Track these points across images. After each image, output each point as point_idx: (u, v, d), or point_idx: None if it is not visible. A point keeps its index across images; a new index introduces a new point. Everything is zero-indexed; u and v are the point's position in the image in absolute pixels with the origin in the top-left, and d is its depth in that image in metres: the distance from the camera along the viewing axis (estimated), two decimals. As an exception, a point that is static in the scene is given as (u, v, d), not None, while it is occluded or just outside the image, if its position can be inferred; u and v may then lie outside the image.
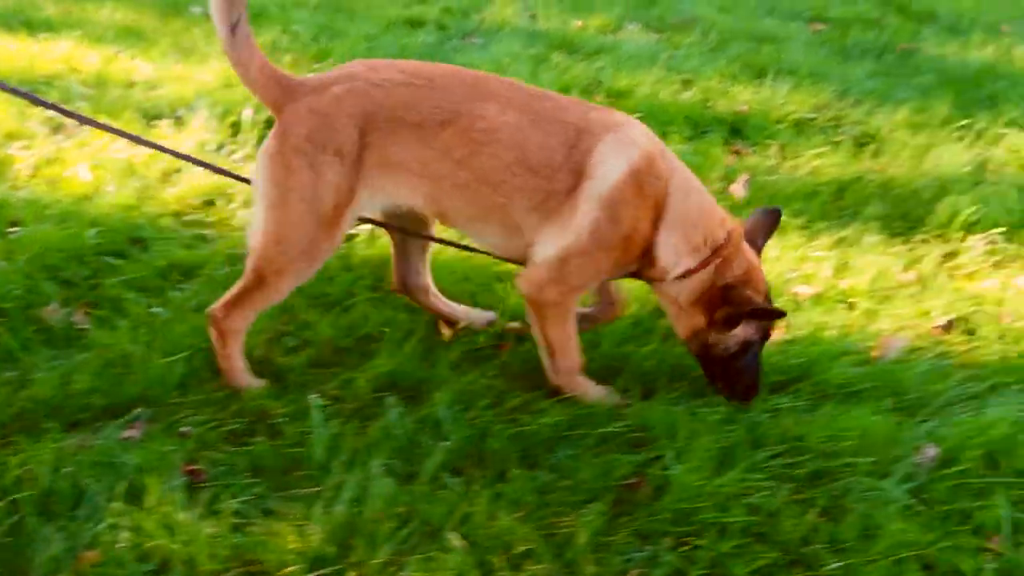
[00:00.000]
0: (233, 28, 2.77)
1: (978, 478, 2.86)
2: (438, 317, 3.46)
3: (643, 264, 2.97)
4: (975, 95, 6.05)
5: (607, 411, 3.04)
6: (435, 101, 2.81)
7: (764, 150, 5.21)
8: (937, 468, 2.90)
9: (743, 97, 5.79)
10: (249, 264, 2.95)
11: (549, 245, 2.86)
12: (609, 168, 2.79)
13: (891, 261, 4.14)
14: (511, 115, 2.80)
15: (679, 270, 2.93)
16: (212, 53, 5.98)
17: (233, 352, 3.02)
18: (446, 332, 3.46)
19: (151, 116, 5.03)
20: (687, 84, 5.95)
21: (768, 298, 3.05)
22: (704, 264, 2.92)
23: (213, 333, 3.01)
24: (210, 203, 4.29)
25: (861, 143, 5.29)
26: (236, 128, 4.91)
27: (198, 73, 5.71)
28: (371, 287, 3.69)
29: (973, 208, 4.49)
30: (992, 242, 4.32)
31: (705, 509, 2.65)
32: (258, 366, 3.18)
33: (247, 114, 4.92)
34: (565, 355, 3.04)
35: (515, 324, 3.46)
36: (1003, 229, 4.37)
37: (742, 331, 2.96)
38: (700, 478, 2.73)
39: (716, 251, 2.92)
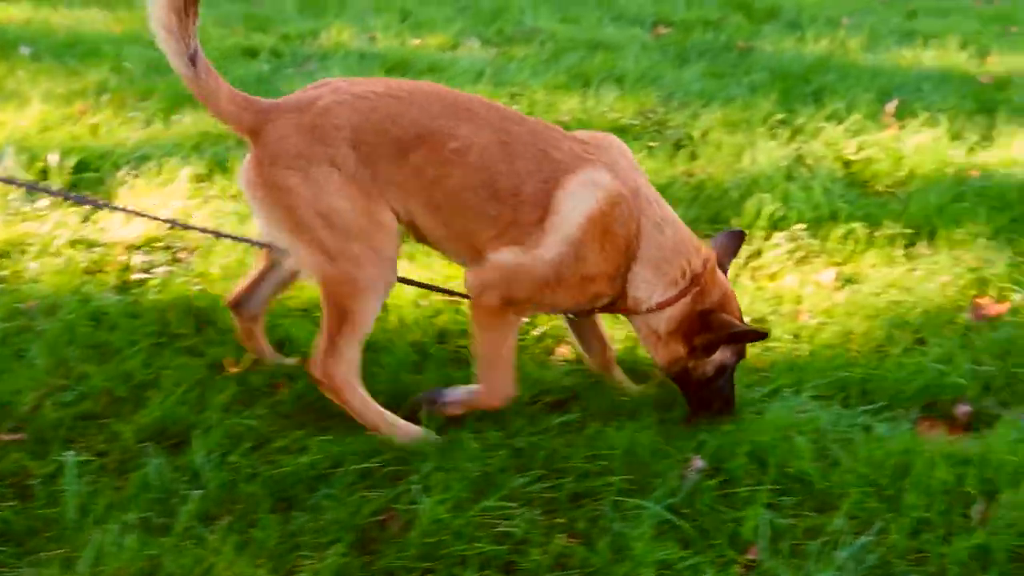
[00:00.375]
0: (192, 60, 2.71)
1: (744, 486, 2.81)
2: (248, 348, 3.33)
3: (614, 299, 2.94)
4: (802, 90, 6.10)
5: (371, 445, 2.96)
6: (414, 115, 2.76)
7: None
8: (702, 479, 2.85)
9: (567, 107, 5.77)
10: (323, 303, 2.84)
11: (507, 255, 2.78)
12: (575, 207, 2.73)
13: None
14: (483, 137, 2.74)
15: (654, 302, 2.90)
16: (35, 96, 5.82)
17: (359, 405, 2.89)
18: (232, 368, 3.36)
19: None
20: (515, 97, 5.90)
21: (741, 319, 3.05)
22: (683, 294, 2.90)
23: (330, 395, 2.89)
24: (4, 255, 4.15)
25: (680, 146, 5.29)
26: (44, 174, 4.77)
27: (16, 118, 5.54)
28: (156, 333, 3.59)
29: (777, 205, 4.50)
30: (795, 238, 4.34)
31: (449, 542, 2.57)
32: (23, 424, 3.04)
33: (53, 159, 4.77)
34: (495, 377, 2.95)
35: (291, 360, 3.39)
36: (804, 225, 4.39)
37: (720, 355, 2.95)
38: (448, 509, 2.68)
39: (694, 280, 2.90)
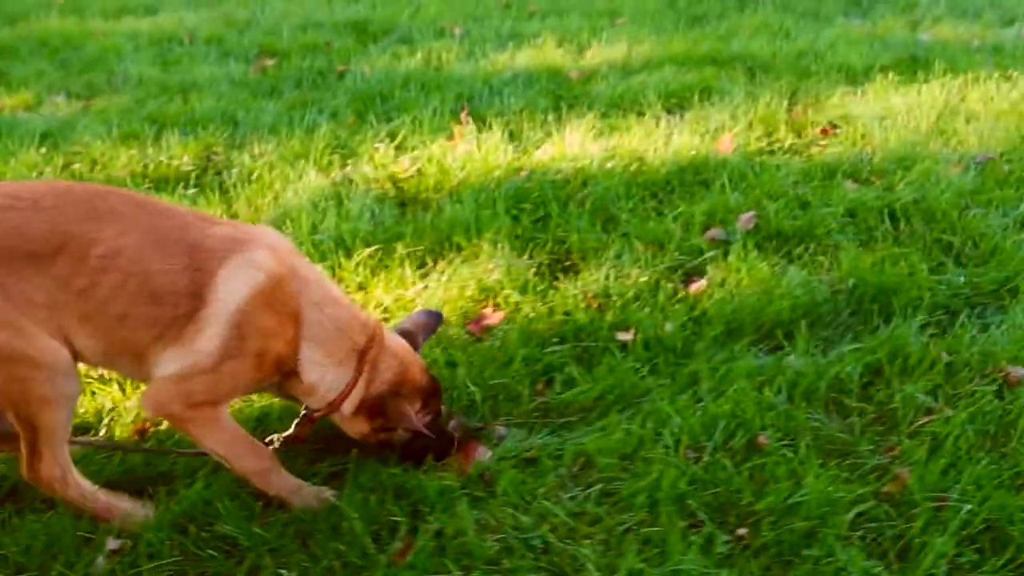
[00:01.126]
0: None
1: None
2: None
3: (288, 381, 2.80)
4: (379, 109, 5.97)
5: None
6: (46, 224, 2.49)
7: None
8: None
9: (125, 159, 5.43)
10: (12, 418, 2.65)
11: (171, 364, 2.62)
12: (234, 290, 2.60)
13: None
14: (131, 238, 2.55)
15: (326, 387, 2.81)
16: None
17: (78, 497, 2.73)
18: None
19: None
20: (76, 155, 5.53)
21: (430, 387, 2.97)
22: (355, 379, 2.82)
23: (49, 493, 2.74)
24: None
25: (224, 189, 4.99)
26: None
27: None
28: None
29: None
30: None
31: None
32: None
33: None
34: (241, 459, 2.76)
35: None
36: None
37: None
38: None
39: (361, 360, 2.81)
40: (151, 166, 5.39)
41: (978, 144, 5.25)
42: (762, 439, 3.04)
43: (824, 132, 5.48)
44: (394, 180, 5.01)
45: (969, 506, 2.70)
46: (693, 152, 5.08)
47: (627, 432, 3.09)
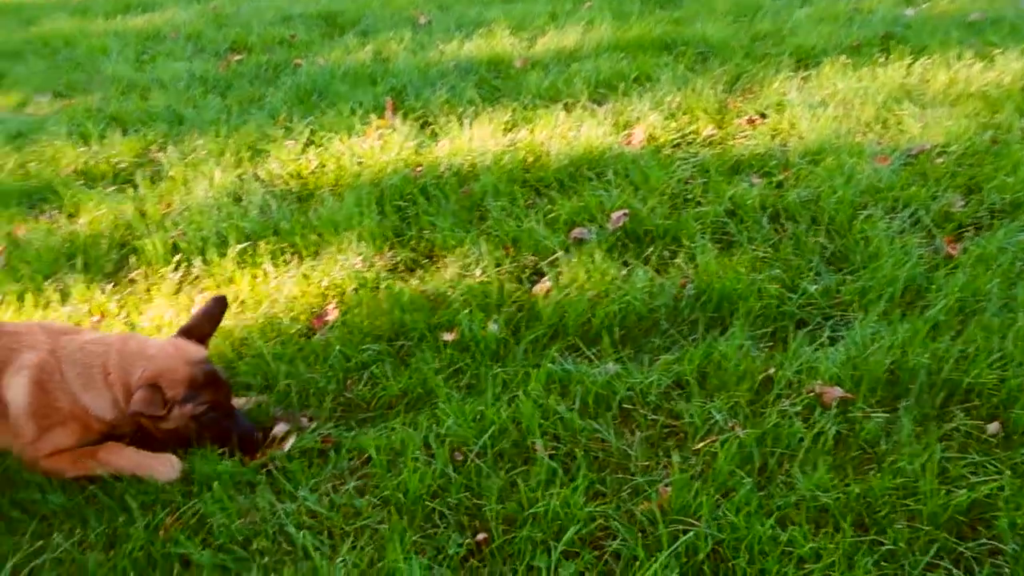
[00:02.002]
0: None
1: None
2: None
3: (111, 427, 3.22)
4: (312, 104, 6.08)
5: None
6: None
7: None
8: None
9: (73, 156, 5.71)
10: None
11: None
12: (17, 391, 3.16)
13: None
14: None
15: (101, 412, 3.18)
16: None
17: None
18: None
19: None
20: (29, 151, 5.89)
21: (196, 377, 3.13)
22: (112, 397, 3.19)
23: None
24: None
25: (155, 181, 5.24)
26: None
27: None
28: None
29: (179, 233, 4.49)
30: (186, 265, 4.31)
31: None
32: None
33: None
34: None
35: None
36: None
37: (179, 411, 3.10)
38: None
39: (106, 378, 3.18)
40: (92, 163, 5.64)
41: (920, 134, 4.99)
42: (537, 447, 3.03)
43: (751, 122, 5.29)
44: (299, 176, 5.11)
45: (694, 531, 2.64)
46: (599, 145, 5.00)
47: (404, 431, 3.13)
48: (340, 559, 2.69)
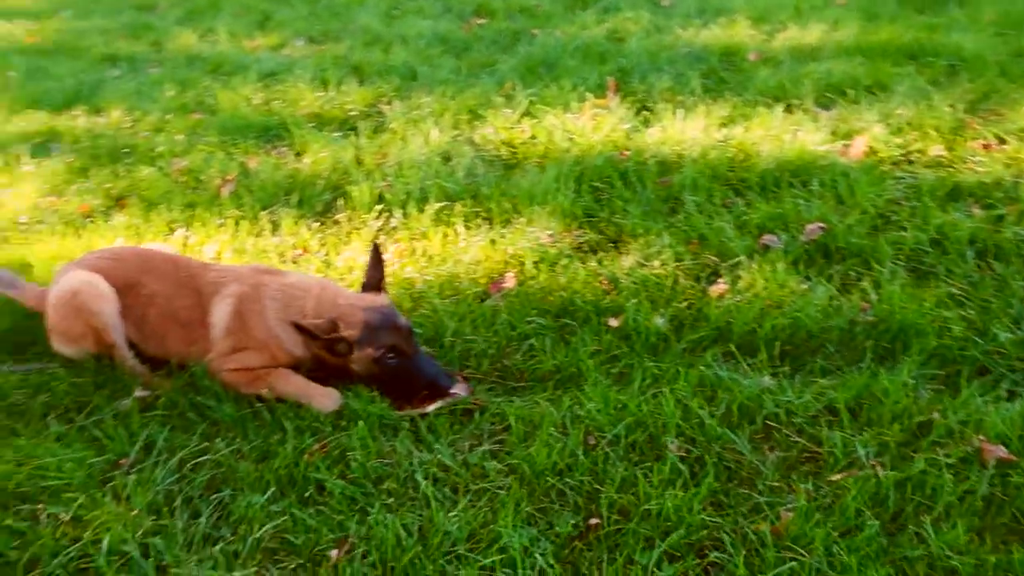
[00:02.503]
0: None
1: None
2: None
3: (300, 359, 3.60)
4: (540, 75, 6.22)
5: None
6: (123, 273, 3.72)
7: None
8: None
9: (311, 98, 6.15)
10: None
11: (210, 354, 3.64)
12: (221, 314, 3.62)
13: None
14: (163, 286, 3.71)
15: (292, 345, 3.55)
16: None
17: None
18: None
19: None
20: (274, 88, 6.37)
21: (373, 322, 3.39)
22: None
23: None
24: None
25: (378, 131, 5.61)
26: None
27: None
28: None
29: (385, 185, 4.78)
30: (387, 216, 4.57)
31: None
32: None
33: None
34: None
35: None
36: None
37: (360, 353, 3.39)
38: None
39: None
40: (326, 108, 6.06)
41: None
42: (671, 447, 3.04)
43: (986, 147, 4.93)
44: (509, 144, 5.27)
45: (803, 562, 2.58)
46: (812, 152, 4.84)
47: (546, 407, 3.23)
48: (455, 513, 2.82)
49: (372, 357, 3.38)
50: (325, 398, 3.39)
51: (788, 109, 5.43)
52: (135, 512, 2.89)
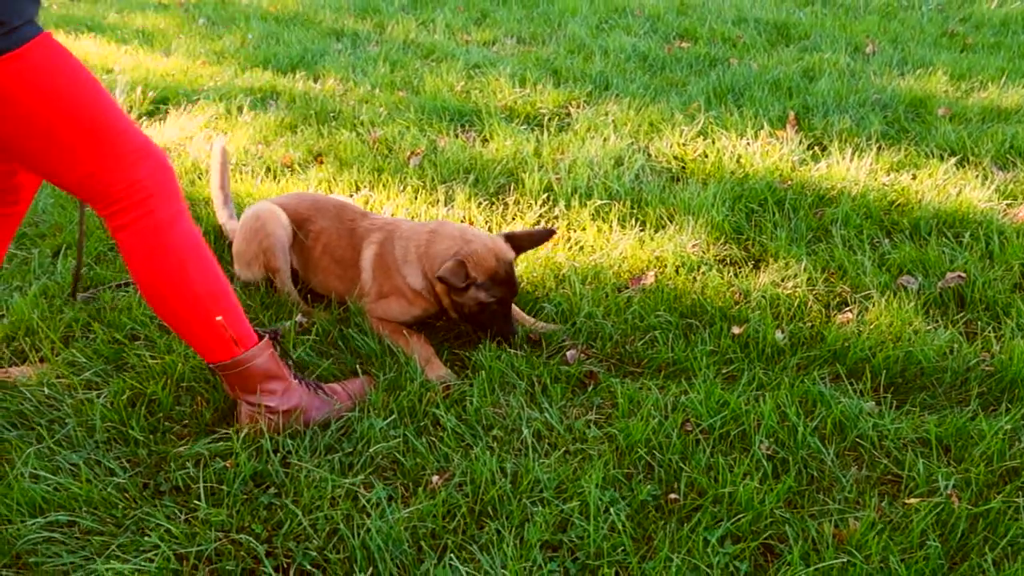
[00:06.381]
0: (229, 216, 4.56)
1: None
2: None
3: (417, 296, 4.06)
4: (727, 101, 6.45)
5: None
6: (299, 209, 4.24)
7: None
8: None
9: (507, 92, 6.63)
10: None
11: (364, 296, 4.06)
12: (368, 257, 4.03)
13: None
14: (328, 225, 4.15)
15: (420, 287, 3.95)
16: (180, 51, 7.76)
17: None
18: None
19: None
20: (476, 80, 6.89)
21: (497, 271, 3.76)
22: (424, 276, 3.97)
23: None
24: None
25: (562, 128, 6.02)
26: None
27: (157, 64, 7.41)
28: None
29: (553, 179, 5.12)
30: (550, 207, 4.95)
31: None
32: None
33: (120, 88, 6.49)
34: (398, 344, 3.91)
35: None
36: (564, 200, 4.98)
37: (474, 294, 3.77)
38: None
39: (420, 259, 3.93)
40: (519, 103, 6.51)
41: None
42: (760, 444, 3.25)
43: None
44: (680, 159, 5.55)
45: (856, 563, 2.73)
46: (976, 206, 4.88)
47: (654, 391, 3.51)
48: (548, 463, 3.13)
49: (480, 300, 3.74)
50: (435, 371, 3.68)
51: (962, 164, 5.45)
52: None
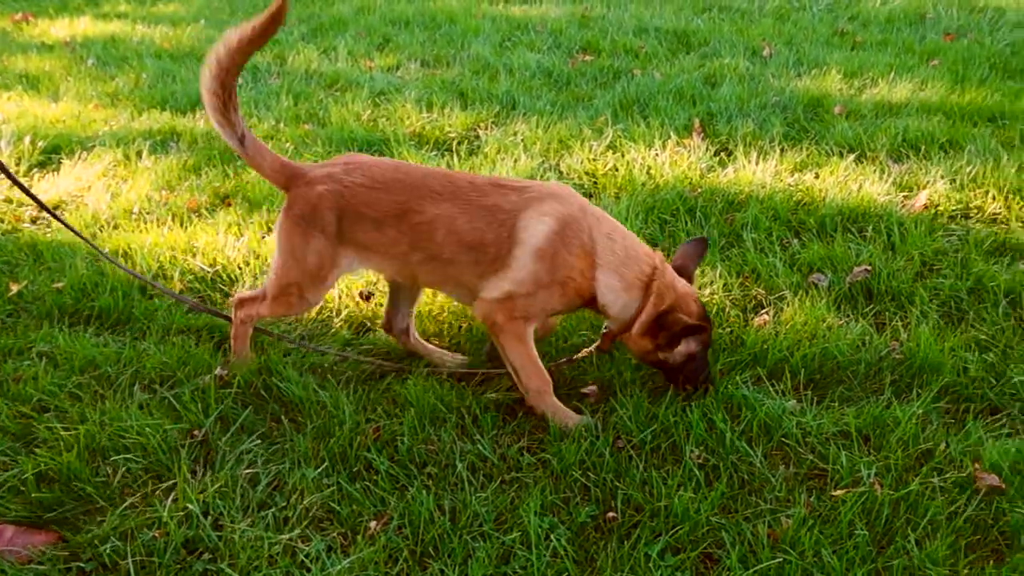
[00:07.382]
0: (241, 140, 3.56)
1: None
2: (414, 355, 4.06)
3: (590, 302, 3.55)
4: (632, 111, 6.60)
5: None
6: (388, 201, 3.48)
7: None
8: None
9: (415, 119, 6.67)
10: (269, 280, 3.74)
11: (494, 288, 3.49)
12: (532, 233, 3.39)
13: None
14: (445, 209, 3.44)
15: (619, 309, 3.51)
16: (69, 95, 7.50)
17: (240, 335, 3.85)
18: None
19: None
20: (382, 107, 6.91)
21: (702, 316, 3.56)
22: (643, 304, 3.49)
23: (234, 315, 3.83)
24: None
25: (471, 152, 6.06)
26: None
27: (43, 111, 7.14)
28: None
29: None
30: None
31: None
32: None
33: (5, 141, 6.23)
34: (528, 376, 3.54)
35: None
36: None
37: (684, 347, 3.54)
38: None
39: (647, 288, 3.47)
40: (427, 128, 6.54)
41: None
42: (690, 453, 3.31)
43: (1045, 208, 5.10)
44: (591, 175, 5.65)
45: (792, 560, 2.83)
46: (874, 202, 5.07)
47: (586, 414, 3.57)
48: (485, 496, 3.14)
49: (689, 351, 3.51)
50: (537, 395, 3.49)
51: (860, 160, 5.66)
52: (201, 475, 3.24)
